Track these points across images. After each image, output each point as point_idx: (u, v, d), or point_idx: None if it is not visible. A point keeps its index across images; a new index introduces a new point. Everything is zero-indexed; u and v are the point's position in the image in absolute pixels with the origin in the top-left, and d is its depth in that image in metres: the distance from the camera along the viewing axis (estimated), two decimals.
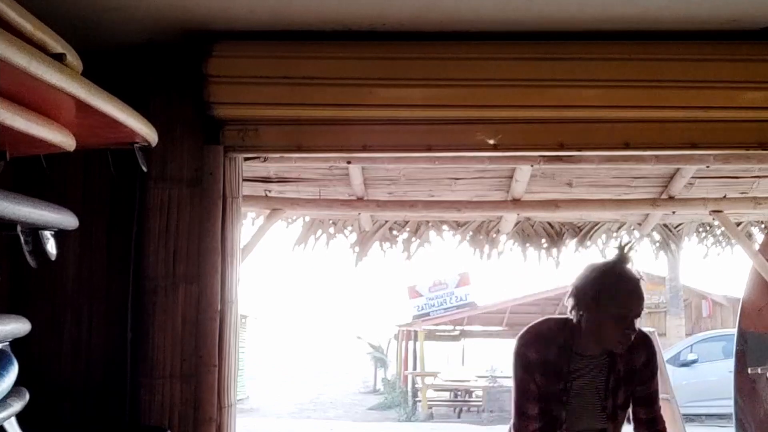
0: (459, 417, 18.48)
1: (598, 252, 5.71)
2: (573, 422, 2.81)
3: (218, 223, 3.47)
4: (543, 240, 5.64)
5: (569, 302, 2.76)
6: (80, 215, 2.90)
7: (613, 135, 3.55)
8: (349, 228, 5.57)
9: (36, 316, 2.88)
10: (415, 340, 20.91)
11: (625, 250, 2.73)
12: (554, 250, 5.67)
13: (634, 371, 2.83)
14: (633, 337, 2.70)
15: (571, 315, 2.76)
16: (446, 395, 19.83)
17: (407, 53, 3.44)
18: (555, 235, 5.64)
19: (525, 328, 2.89)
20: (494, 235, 5.61)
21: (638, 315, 2.67)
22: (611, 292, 2.66)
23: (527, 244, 5.64)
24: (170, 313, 3.44)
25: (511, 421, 2.88)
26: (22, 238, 2.51)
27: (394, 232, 5.60)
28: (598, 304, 2.67)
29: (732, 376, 6.01)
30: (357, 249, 5.62)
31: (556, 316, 2.97)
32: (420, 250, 5.67)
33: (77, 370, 3.46)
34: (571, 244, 5.68)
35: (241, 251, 3.62)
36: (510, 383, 2.92)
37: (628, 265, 2.72)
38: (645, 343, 2.85)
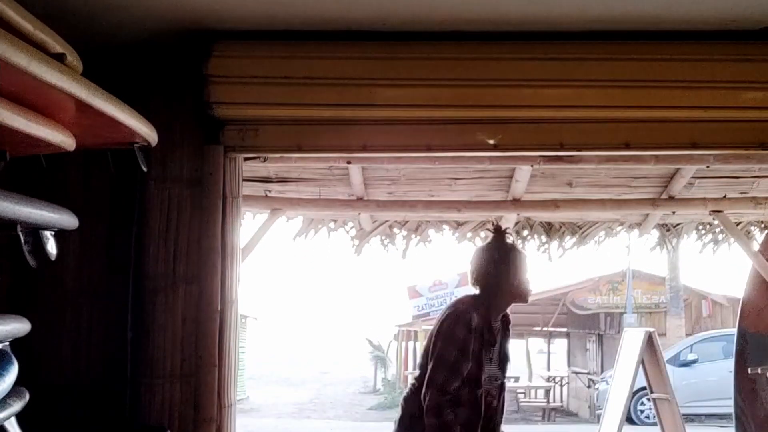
0: None
1: (597, 249, 5.72)
2: None
3: (218, 223, 3.47)
4: (543, 236, 5.63)
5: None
6: (80, 215, 2.90)
7: (613, 135, 3.55)
8: (350, 224, 5.57)
9: (36, 316, 2.87)
10: (415, 340, 20.90)
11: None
12: (553, 247, 5.67)
13: None
14: None
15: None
16: None
17: (407, 53, 3.43)
18: (554, 233, 5.63)
19: None
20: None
21: None
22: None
23: (528, 237, 5.63)
24: (170, 313, 3.44)
25: None
26: (22, 238, 2.51)
27: (395, 230, 5.59)
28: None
29: (732, 376, 6.01)
30: (357, 242, 5.61)
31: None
32: (420, 250, 5.67)
33: (77, 370, 3.46)
34: (570, 242, 5.68)
35: (241, 251, 3.62)
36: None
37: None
38: None
